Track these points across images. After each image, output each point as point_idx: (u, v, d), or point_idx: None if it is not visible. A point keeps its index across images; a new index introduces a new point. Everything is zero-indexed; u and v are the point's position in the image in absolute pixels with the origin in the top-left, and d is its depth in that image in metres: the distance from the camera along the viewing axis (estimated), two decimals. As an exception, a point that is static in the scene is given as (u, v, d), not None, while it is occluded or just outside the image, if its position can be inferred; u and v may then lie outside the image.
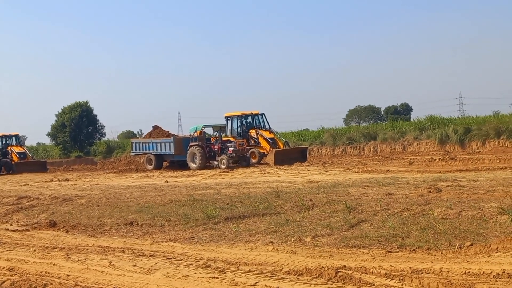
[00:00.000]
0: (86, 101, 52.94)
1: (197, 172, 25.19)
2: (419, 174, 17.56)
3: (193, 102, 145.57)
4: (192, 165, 27.72)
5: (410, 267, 5.90)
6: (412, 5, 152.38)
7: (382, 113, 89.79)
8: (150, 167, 30.57)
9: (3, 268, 7.45)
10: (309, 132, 41.65)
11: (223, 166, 26.16)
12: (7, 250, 8.76)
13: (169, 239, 8.78)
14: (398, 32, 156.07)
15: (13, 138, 39.94)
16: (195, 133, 28.67)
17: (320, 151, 35.62)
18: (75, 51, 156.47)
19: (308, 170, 21.83)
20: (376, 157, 30.36)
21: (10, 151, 38.19)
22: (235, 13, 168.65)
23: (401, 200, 10.86)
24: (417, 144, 31.47)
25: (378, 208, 9.92)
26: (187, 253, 7.61)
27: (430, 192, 11.75)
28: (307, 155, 30.10)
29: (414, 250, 6.76)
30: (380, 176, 17.20)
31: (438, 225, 7.98)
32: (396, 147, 32.22)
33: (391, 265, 6.05)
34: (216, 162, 27.33)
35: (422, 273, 5.68)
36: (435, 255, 6.45)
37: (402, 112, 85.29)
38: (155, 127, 33.95)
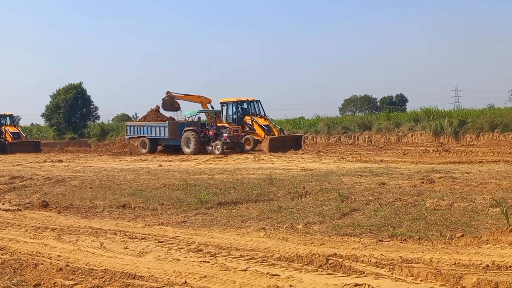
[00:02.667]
0: (80, 82, 52.67)
1: (191, 157, 25.18)
2: (412, 165, 17.60)
3: (188, 87, 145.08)
4: (187, 150, 27.69)
5: (400, 257, 5.92)
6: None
7: (378, 103, 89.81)
8: (144, 150, 30.53)
9: (-6, 247, 7.44)
10: (304, 120, 41.62)
11: (217, 152, 26.15)
12: (-2, 229, 8.74)
13: (161, 223, 8.79)
14: (395, 24, 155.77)
15: (7, 118, 39.80)
16: (190, 118, 28.60)
17: (314, 139, 35.62)
18: (72, 32, 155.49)
19: (302, 158, 21.85)
20: (371, 147, 30.42)
21: (4, 131, 38.09)
22: (234, 4, 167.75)
23: (394, 190, 10.88)
24: (412, 135, 31.49)
25: (370, 197, 9.94)
26: (179, 237, 7.62)
27: (423, 183, 11.78)
28: (302, 143, 30.11)
29: (405, 239, 6.79)
30: (374, 166, 17.23)
31: (430, 215, 8.02)
32: (390, 137, 32.24)
33: (381, 254, 6.07)
34: (210, 148, 27.31)
35: (412, 262, 5.71)
36: (425, 245, 6.48)
37: (397, 103, 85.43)
38: (157, 108, 33.67)
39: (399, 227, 7.46)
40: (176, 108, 32.75)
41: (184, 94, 32.23)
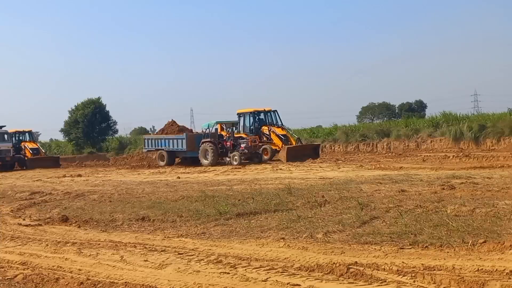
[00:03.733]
0: (99, 97, 53.13)
1: (209, 169, 25.22)
2: (432, 171, 17.43)
3: (205, 99, 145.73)
4: (204, 162, 27.76)
5: (422, 264, 5.85)
6: (426, 2, 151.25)
7: (396, 110, 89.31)
8: (162, 163, 30.67)
9: (16, 262, 7.50)
10: (321, 129, 41.50)
11: (235, 163, 26.16)
12: (19, 245, 8.81)
13: (181, 235, 8.77)
14: (412, 29, 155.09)
15: (27, 134, 40.29)
16: (208, 129, 28.68)
17: (332, 148, 35.48)
18: (91, 47, 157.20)
19: (321, 167, 21.77)
20: (389, 154, 30.18)
21: (23, 147, 38.55)
22: (245, 13, 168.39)
23: (414, 197, 10.78)
24: (431, 141, 31.21)
25: (390, 205, 9.85)
26: (198, 248, 7.60)
27: (443, 189, 11.66)
28: (320, 152, 30.04)
29: (426, 247, 6.70)
30: (393, 173, 17.10)
31: (451, 222, 7.91)
32: (409, 144, 31.98)
33: (403, 262, 6.00)
34: (228, 159, 27.35)
35: (434, 270, 5.63)
36: (447, 252, 6.39)
37: (416, 109, 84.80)
38: (172, 122, 33.96)
39: (420, 234, 7.36)
40: None
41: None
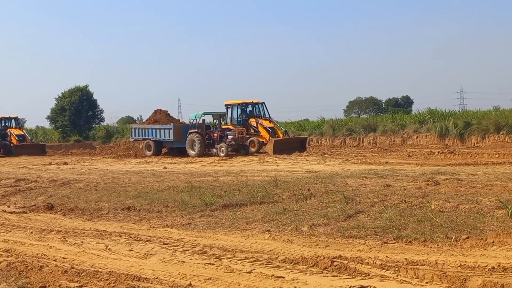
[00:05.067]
0: (86, 85, 52.76)
1: (196, 159, 25.20)
2: (417, 166, 17.56)
3: (193, 90, 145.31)
4: (191, 152, 27.71)
5: (406, 259, 5.91)
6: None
7: (383, 105, 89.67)
8: (149, 153, 30.57)
9: (0, 249, 7.46)
10: (309, 122, 41.56)
11: (222, 154, 26.15)
12: (4, 232, 8.77)
13: (166, 225, 8.78)
14: (400, 26, 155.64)
15: (13, 120, 39.91)
16: (195, 120, 28.64)
17: (319, 141, 35.55)
18: (78, 35, 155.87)
19: (307, 160, 21.84)
20: (376, 149, 30.34)
21: (9, 133, 38.18)
22: (235, 7, 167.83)
23: (399, 192, 10.86)
24: (417, 137, 31.38)
25: (375, 199, 9.91)
26: (184, 239, 7.62)
27: (428, 185, 11.75)
28: (307, 145, 30.12)
29: (410, 241, 6.77)
30: (379, 167, 17.20)
31: (435, 217, 7.98)
32: (395, 139, 32.13)
33: (387, 256, 6.06)
34: (215, 150, 27.33)
35: (417, 264, 5.69)
36: (431, 247, 6.46)
37: (403, 104, 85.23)
38: (158, 111, 33.85)
39: (404, 229, 7.43)
40: None
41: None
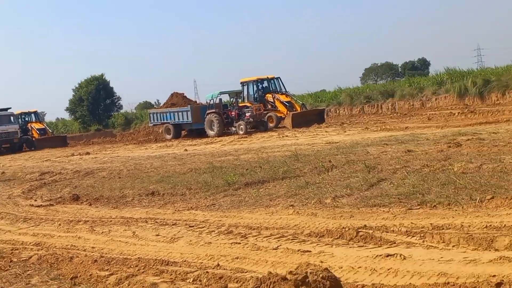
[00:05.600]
0: (102, 74, 53.04)
1: (215, 139, 25.28)
2: (438, 129, 17.41)
3: (208, 70, 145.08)
4: (210, 133, 27.80)
5: (431, 224, 5.90)
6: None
7: (399, 69, 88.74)
8: (168, 136, 30.75)
9: (30, 243, 7.62)
10: (325, 93, 41.34)
11: (241, 132, 26.19)
12: (32, 226, 8.94)
13: (191, 207, 8.86)
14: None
15: (32, 114, 40.39)
16: (212, 100, 28.66)
17: (337, 111, 35.42)
18: (91, 24, 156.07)
19: (326, 132, 21.77)
20: (395, 114, 30.10)
21: (30, 128, 38.69)
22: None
23: (420, 156, 10.77)
24: (436, 99, 31.05)
25: (397, 166, 9.85)
26: (209, 220, 7.69)
27: (449, 147, 11.64)
28: (325, 117, 30.00)
29: (434, 206, 6.74)
30: (399, 133, 17.08)
31: (459, 180, 7.92)
32: (414, 103, 31.84)
33: (411, 223, 6.06)
34: (234, 128, 27.38)
35: (443, 228, 5.68)
36: (456, 210, 6.43)
37: (420, 67, 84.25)
38: (175, 94, 33.97)
39: (428, 194, 7.39)
40: None
41: None
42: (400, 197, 7.46)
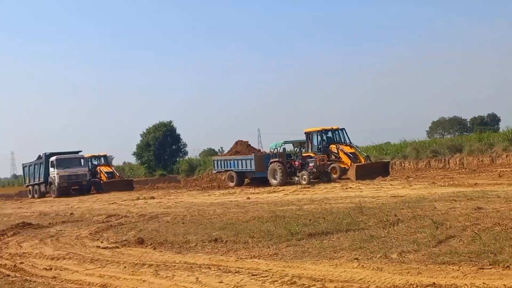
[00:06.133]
0: (170, 121, 54.54)
1: (278, 189, 25.27)
2: (510, 187, 16.78)
3: (272, 119, 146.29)
4: (273, 182, 27.85)
5: (504, 285, 5.65)
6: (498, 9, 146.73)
7: (468, 124, 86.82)
8: (231, 184, 30.99)
9: (96, 284, 7.77)
10: (390, 145, 40.88)
11: (304, 182, 26.10)
12: (99, 267, 9.11)
13: (253, 256, 8.83)
14: (481, 38, 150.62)
15: (102, 158, 41.85)
16: (276, 149, 28.82)
17: (402, 165, 34.83)
18: (157, 72, 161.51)
19: (391, 185, 21.39)
20: (463, 170, 29.30)
21: (99, 171, 39.99)
22: (308, 28, 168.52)
23: (491, 214, 10.41)
24: (507, 156, 30.08)
25: (467, 223, 9.56)
26: (272, 269, 7.63)
27: (523, 206, 11.20)
28: (390, 169, 29.54)
29: (508, 267, 6.44)
30: (468, 190, 16.58)
31: (533, 240, 7.59)
32: (483, 159, 30.96)
33: (484, 283, 5.81)
34: (297, 178, 27.32)
35: (518, 291, 5.42)
36: (531, 273, 6.13)
37: (489, 123, 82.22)
38: (239, 142, 34.44)
39: (500, 254, 7.09)
40: None
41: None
42: (471, 255, 7.19)
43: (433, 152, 34.00)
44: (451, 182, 20.42)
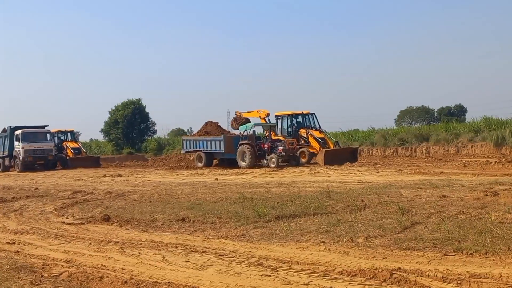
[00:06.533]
0: (139, 98, 53.86)
1: (246, 171, 25.29)
2: (474, 177, 17.10)
3: (243, 101, 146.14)
4: (242, 164, 27.85)
5: (467, 271, 5.75)
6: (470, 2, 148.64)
7: (435, 114, 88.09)
8: (200, 164, 30.91)
9: (61, 260, 7.67)
10: (359, 132, 41.19)
11: (272, 165, 26.17)
12: (63, 243, 9.00)
13: (221, 236, 8.83)
14: (449, 30, 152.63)
15: (68, 134, 41.22)
16: (245, 131, 28.79)
17: (370, 151, 35.17)
18: (129, 52, 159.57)
19: (359, 171, 21.59)
20: (429, 159, 29.77)
21: (65, 147, 39.43)
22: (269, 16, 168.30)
23: (456, 203, 10.59)
24: (472, 146, 30.62)
25: (432, 210, 9.71)
26: (239, 250, 7.64)
27: (486, 195, 11.42)
28: (358, 156, 29.81)
29: (471, 254, 6.57)
30: (434, 178, 16.85)
31: (496, 229, 7.73)
32: (449, 149, 31.45)
33: (447, 269, 5.91)
34: (265, 161, 27.37)
35: (480, 277, 5.53)
36: (493, 260, 6.26)
37: (456, 113, 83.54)
38: (209, 123, 34.32)
39: (464, 241, 7.22)
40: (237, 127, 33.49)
41: (247, 112, 32.95)
42: (435, 242, 7.31)
43: (400, 140, 34.38)
44: (417, 170, 20.71)
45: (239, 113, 33.53)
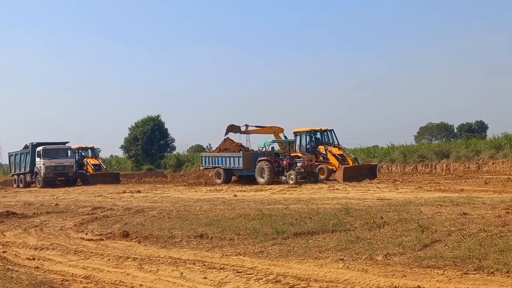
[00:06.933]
0: (158, 115, 54.35)
1: (265, 187, 25.26)
2: (495, 194, 16.88)
3: (262, 118, 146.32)
4: (261, 180, 27.82)
5: (488, 290, 5.67)
6: (487, 19, 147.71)
7: (455, 130, 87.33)
8: (219, 181, 30.91)
9: (79, 275, 7.71)
10: (378, 149, 41.01)
11: (291, 182, 26.11)
12: (82, 259, 9.06)
13: (239, 253, 8.81)
14: (473, 48, 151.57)
15: (89, 150, 41.60)
16: (264, 148, 28.81)
17: (389, 168, 34.96)
18: (149, 69, 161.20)
19: (378, 188, 21.44)
20: (449, 175, 29.45)
21: (85, 163, 39.75)
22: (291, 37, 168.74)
23: (477, 220, 10.46)
24: (493, 163, 30.28)
25: (452, 228, 9.59)
26: (257, 267, 7.61)
27: (508, 213, 11.24)
28: (377, 172, 29.63)
29: (492, 273, 6.48)
30: (454, 195, 16.66)
31: (518, 247, 7.62)
32: (470, 166, 31.14)
33: (468, 287, 5.83)
34: (284, 178, 27.30)
35: (501, 297, 5.44)
36: (515, 279, 6.16)
37: (476, 130, 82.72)
38: (228, 140, 34.39)
39: (485, 260, 7.12)
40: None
41: (257, 127, 32.91)
42: (455, 260, 7.21)
43: (420, 157, 34.15)
44: (437, 187, 20.51)
45: (249, 126, 33.44)
